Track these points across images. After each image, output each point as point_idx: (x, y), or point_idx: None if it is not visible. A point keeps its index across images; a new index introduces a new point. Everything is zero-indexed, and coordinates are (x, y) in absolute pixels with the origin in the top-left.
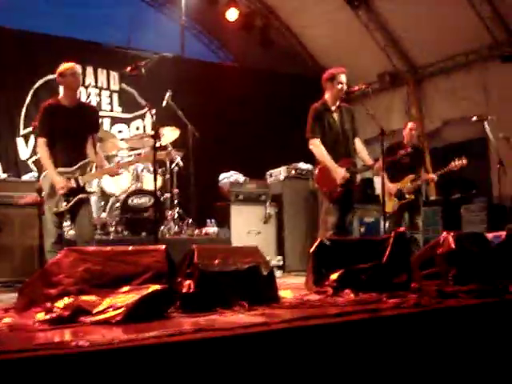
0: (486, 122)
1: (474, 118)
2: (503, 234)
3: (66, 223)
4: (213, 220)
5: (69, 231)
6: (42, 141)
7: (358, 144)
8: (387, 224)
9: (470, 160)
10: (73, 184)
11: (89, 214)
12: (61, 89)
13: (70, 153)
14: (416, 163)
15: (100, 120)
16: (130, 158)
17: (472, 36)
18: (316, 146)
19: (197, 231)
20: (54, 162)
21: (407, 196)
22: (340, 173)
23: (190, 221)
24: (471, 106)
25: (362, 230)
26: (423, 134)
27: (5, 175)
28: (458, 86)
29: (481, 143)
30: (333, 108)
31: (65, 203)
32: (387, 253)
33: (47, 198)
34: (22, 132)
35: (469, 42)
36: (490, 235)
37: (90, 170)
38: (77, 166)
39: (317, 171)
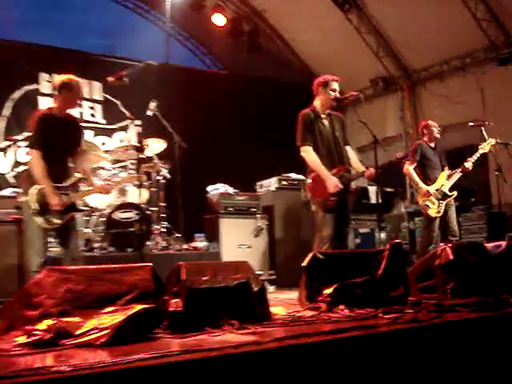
0: (483, 128)
1: (471, 124)
2: (503, 243)
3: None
4: (201, 234)
5: (52, 248)
6: (37, 153)
7: (350, 151)
8: (435, 230)
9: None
10: (66, 200)
11: (75, 231)
12: (57, 99)
13: (59, 167)
14: (443, 160)
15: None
16: (114, 171)
17: (467, 38)
18: (308, 154)
19: (185, 246)
20: None
21: (450, 193)
22: (332, 181)
23: (178, 235)
24: (468, 111)
25: (358, 241)
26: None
27: None
28: (454, 91)
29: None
30: (323, 115)
31: (59, 220)
32: (383, 266)
33: (36, 214)
34: (0, 145)
35: (464, 45)
36: (489, 245)
37: (79, 187)
38: (69, 182)
39: (309, 180)
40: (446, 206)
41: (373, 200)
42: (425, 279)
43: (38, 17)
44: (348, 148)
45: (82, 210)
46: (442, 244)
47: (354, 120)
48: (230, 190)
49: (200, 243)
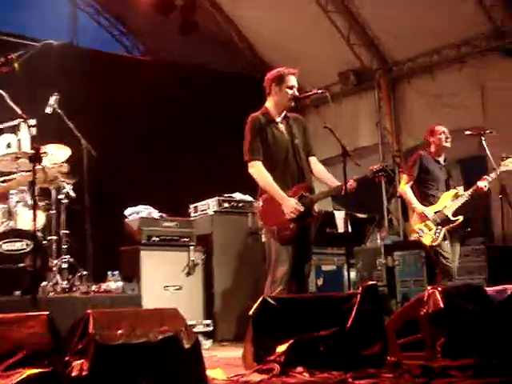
0: (483, 138)
1: (468, 132)
2: (509, 287)
3: None
4: (116, 272)
5: None
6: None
7: (315, 163)
8: (449, 260)
9: (464, 187)
10: None
11: None
12: None
13: None
14: (449, 176)
15: None
16: None
17: (466, 22)
18: (258, 170)
19: (94, 287)
20: None
21: (453, 218)
22: (290, 203)
23: (85, 273)
24: (464, 116)
25: (320, 282)
26: (400, 154)
27: None
28: (447, 89)
29: (477, 164)
30: (278, 119)
31: None
32: (353, 314)
33: None
34: None
35: (461, 30)
36: (490, 289)
37: None
38: None
39: (260, 203)
40: (445, 234)
41: (340, 228)
42: (407, 333)
43: None
44: (313, 159)
45: None
46: (429, 287)
47: (318, 125)
48: (155, 213)
49: (114, 284)
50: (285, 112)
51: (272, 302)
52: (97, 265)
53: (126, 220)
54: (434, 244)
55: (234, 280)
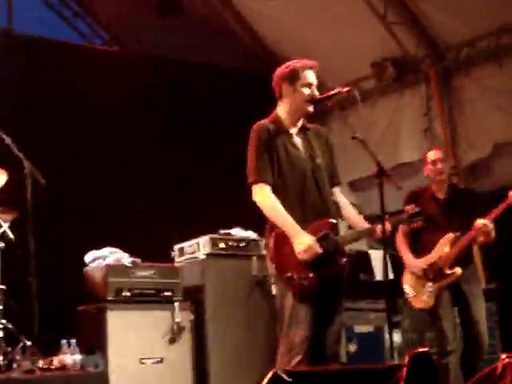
0: None
1: None
2: None
3: None
4: (73, 341)
5: None
6: None
7: (339, 196)
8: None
9: None
10: None
11: None
12: None
13: None
14: (454, 216)
15: None
16: None
17: None
18: (264, 196)
19: (41, 363)
20: None
21: (448, 271)
22: (303, 240)
23: (29, 343)
24: None
25: (352, 349)
26: (457, 170)
27: None
28: None
29: None
30: (292, 130)
31: None
32: None
33: None
34: None
35: None
36: None
37: None
38: None
39: (271, 241)
40: (439, 293)
41: (378, 274)
42: None
43: None
44: (337, 190)
45: None
46: (504, 356)
47: (344, 136)
48: (126, 258)
49: (70, 357)
50: (302, 121)
51: (286, 377)
52: (45, 331)
53: (87, 269)
54: (425, 308)
55: (235, 349)
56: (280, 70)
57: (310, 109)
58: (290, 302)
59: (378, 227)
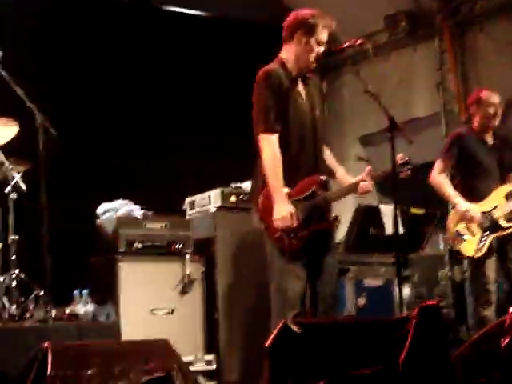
0: None
1: None
2: None
3: None
4: (85, 291)
5: None
6: None
7: (326, 151)
8: (491, 279)
9: None
10: None
11: None
12: None
13: None
14: (504, 164)
15: None
16: None
17: None
18: (270, 148)
19: (54, 313)
20: None
21: (506, 224)
22: (283, 207)
23: (42, 293)
24: None
25: (361, 302)
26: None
27: None
28: None
29: None
30: (298, 79)
31: None
32: (407, 346)
33: None
34: None
35: None
36: None
37: None
38: None
39: (261, 196)
40: (492, 244)
41: (388, 229)
42: (484, 371)
43: None
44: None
45: None
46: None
47: (356, 90)
48: (137, 210)
49: (82, 308)
50: (306, 71)
51: (295, 328)
52: (58, 282)
53: (99, 221)
54: (476, 256)
55: (245, 300)
56: (299, 15)
57: (313, 66)
58: (281, 260)
59: (361, 182)
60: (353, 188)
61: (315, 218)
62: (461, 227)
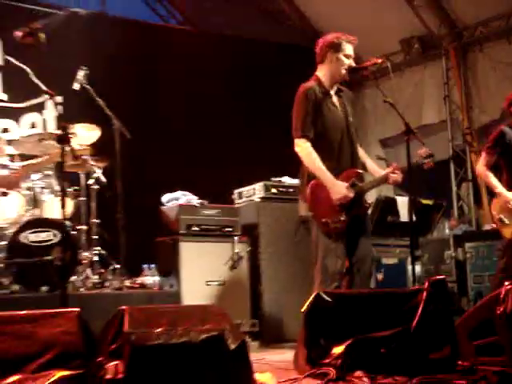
0: None
1: None
2: None
3: None
4: (152, 265)
5: None
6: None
7: (360, 150)
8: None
9: None
10: None
11: None
12: None
13: None
14: None
15: None
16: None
17: None
18: (307, 149)
19: (128, 282)
20: None
21: None
22: (339, 189)
23: (118, 266)
24: None
25: (380, 277)
26: (472, 131)
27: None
28: None
29: None
30: (331, 91)
31: None
32: (419, 313)
33: None
34: None
35: None
36: None
37: None
38: None
39: (308, 189)
40: None
41: (403, 217)
42: (482, 335)
43: None
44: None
45: None
46: (507, 283)
47: (376, 101)
48: (195, 200)
49: (150, 278)
50: (337, 85)
51: (327, 298)
52: (131, 257)
53: (163, 208)
54: None
55: (283, 275)
56: (327, 39)
57: (346, 77)
58: (325, 241)
59: (390, 174)
60: (384, 179)
61: (355, 205)
62: (503, 215)
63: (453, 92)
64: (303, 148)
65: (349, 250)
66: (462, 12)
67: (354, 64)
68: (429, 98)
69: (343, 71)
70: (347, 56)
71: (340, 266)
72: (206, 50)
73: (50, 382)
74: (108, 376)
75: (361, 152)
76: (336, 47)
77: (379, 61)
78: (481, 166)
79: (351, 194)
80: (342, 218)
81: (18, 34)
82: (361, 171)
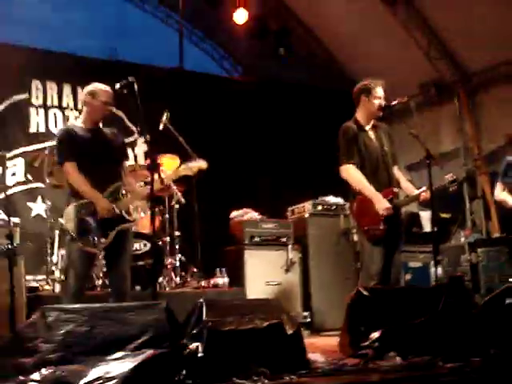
0: None
1: None
2: None
3: None
4: (223, 269)
5: None
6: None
7: (397, 171)
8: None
9: None
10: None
11: (129, 256)
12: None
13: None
14: None
15: None
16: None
17: None
18: (351, 172)
19: (203, 283)
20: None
21: None
22: (383, 203)
23: (195, 270)
24: None
25: (408, 277)
26: (481, 157)
27: None
28: None
29: None
30: (367, 127)
31: (103, 239)
32: (442, 303)
33: (74, 238)
34: None
35: None
36: None
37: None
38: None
39: (355, 204)
40: None
41: (426, 228)
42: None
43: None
44: (395, 167)
45: (131, 222)
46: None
47: (402, 135)
48: (256, 216)
49: (221, 279)
50: (373, 121)
51: (366, 292)
52: (205, 263)
53: (231, 222)
54: None
55: (328, 276)
56: (359, 86)
57: (380, 114)
58: (367, 246)
59: (421, 194)
60: (416, 197)
61: (391, 217)
62: None
63: (465, 125)
64: (350, 172)
65: (386, 252)
66: (471, 61)
67: (383, 103)
68: (445, 131)
69: (376, 110)
70: (378, 97)
71: (379, 267)
72: (264, 95)
73: (145, 358)
74: (190, 354)
75: (397, 173)
76: (367, 91)
77: (405, 99)
78: (498, 192)
79: (391, 210)
80: (381, 227)
81: (117, 86)
82: (397, 190)
